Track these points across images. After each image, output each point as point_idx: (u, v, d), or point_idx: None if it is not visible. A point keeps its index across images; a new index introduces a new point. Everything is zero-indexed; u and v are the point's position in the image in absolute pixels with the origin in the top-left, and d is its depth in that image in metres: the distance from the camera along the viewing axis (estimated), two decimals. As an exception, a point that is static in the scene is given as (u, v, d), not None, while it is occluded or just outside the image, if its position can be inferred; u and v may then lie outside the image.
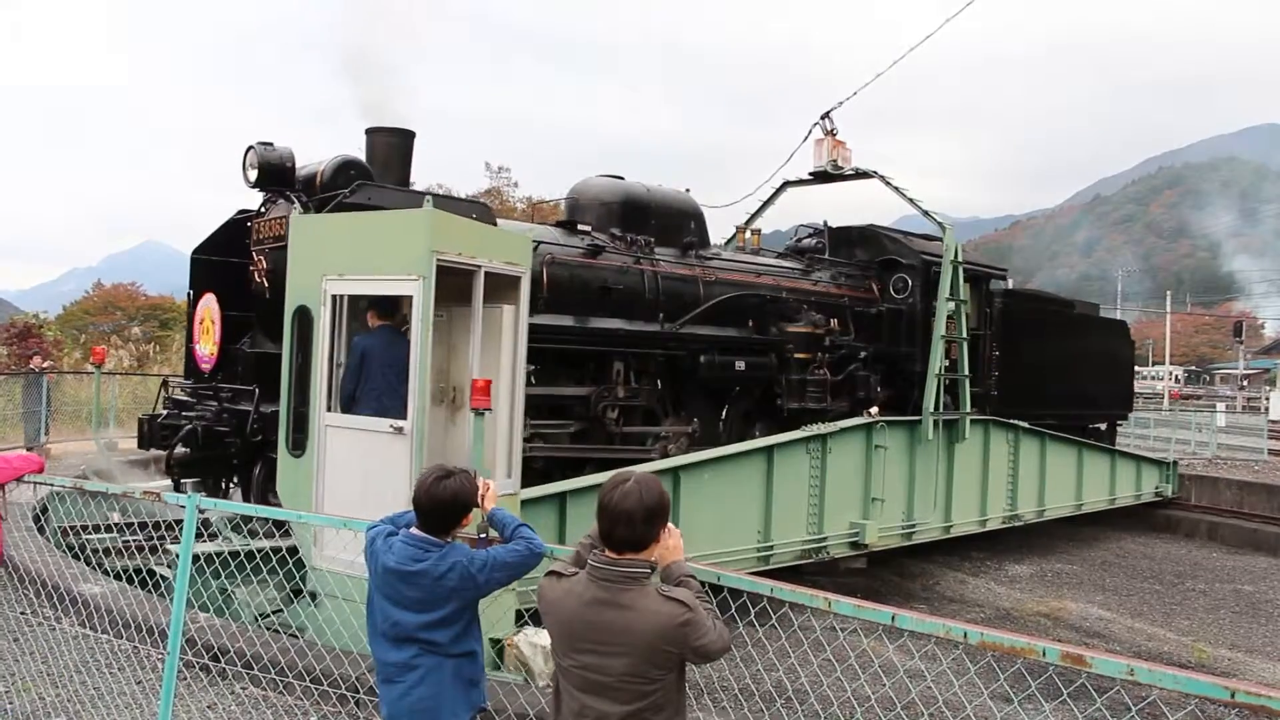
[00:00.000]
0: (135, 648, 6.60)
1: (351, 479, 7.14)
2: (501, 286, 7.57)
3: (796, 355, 13.03)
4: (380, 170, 9.44)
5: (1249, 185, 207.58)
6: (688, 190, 13.38)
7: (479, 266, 7.15)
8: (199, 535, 9.68)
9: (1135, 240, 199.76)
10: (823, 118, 15.04)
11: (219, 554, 7.73)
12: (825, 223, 15.72)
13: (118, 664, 6.48)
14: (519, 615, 7.03)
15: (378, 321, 7.57)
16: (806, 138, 15.29)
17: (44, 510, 10.85)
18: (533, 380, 10.13)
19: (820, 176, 15.51)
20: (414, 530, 3.66)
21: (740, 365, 12.21)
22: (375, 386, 7.21)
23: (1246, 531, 18.25)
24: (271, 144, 8.91)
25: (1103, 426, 20.45)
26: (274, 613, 7.84)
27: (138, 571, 8.26)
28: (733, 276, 12.74)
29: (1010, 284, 18.81)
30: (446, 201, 10.13)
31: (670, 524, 3.41)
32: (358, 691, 5.86)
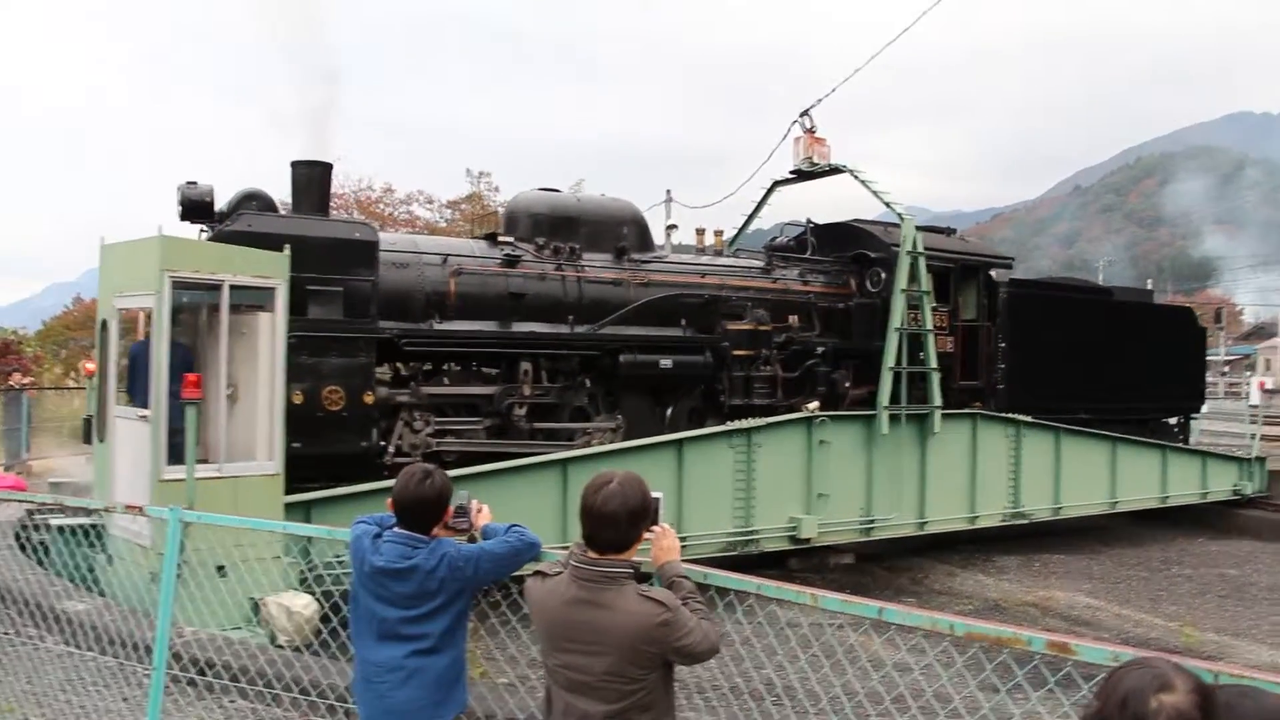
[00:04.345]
0: (121, 664, 6.55)
1: (127, 459, 8.51)
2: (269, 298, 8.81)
3: (736, 353, 13.15)
4: (299, 198, 10.70)
5: (1228, 173, 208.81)
6: (668, 192, 13.51)
7: (221, 281, 8.33)
8: (66, 509, 10.28)
9: (1116, 230, 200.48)
10: (802, 115, 15.12)
11: (81, 527, 8.99)
12: (809, 220, 15.76)
13: (103, 681, 6.43)
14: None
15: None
16: (785, 136, 15.37)
17: (24, 528, 10.87)
18: (446, 381, 11.36)
19: (799, 174, 15.58)
20: (398, 529, 3.67)
21: (666, 363, 12.47)
22: (145, 384, 8.31)
23: (1228, 515, 18.32)
24: (195, 183, 10.08)
25: (1172, 421, 19.35)
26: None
27: (42, 544, 9.34)
28: (669, 278, 13.05)
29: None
30: (329, 224, 10.97)
31: (665, 524, 3.42)
32: (346, 701, 5.83)
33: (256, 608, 7.98)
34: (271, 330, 8.75)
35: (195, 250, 8.69)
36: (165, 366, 8.02)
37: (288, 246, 8.93)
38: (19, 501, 9.69)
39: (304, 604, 8.00)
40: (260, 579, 7.48)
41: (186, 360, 8.45)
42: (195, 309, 8.97)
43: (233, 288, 8.43)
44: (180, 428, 7.98)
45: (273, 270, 8.72)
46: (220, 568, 7.18)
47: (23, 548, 9.38)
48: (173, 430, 8.05)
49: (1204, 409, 21.25)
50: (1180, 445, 18.43)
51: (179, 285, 8.22)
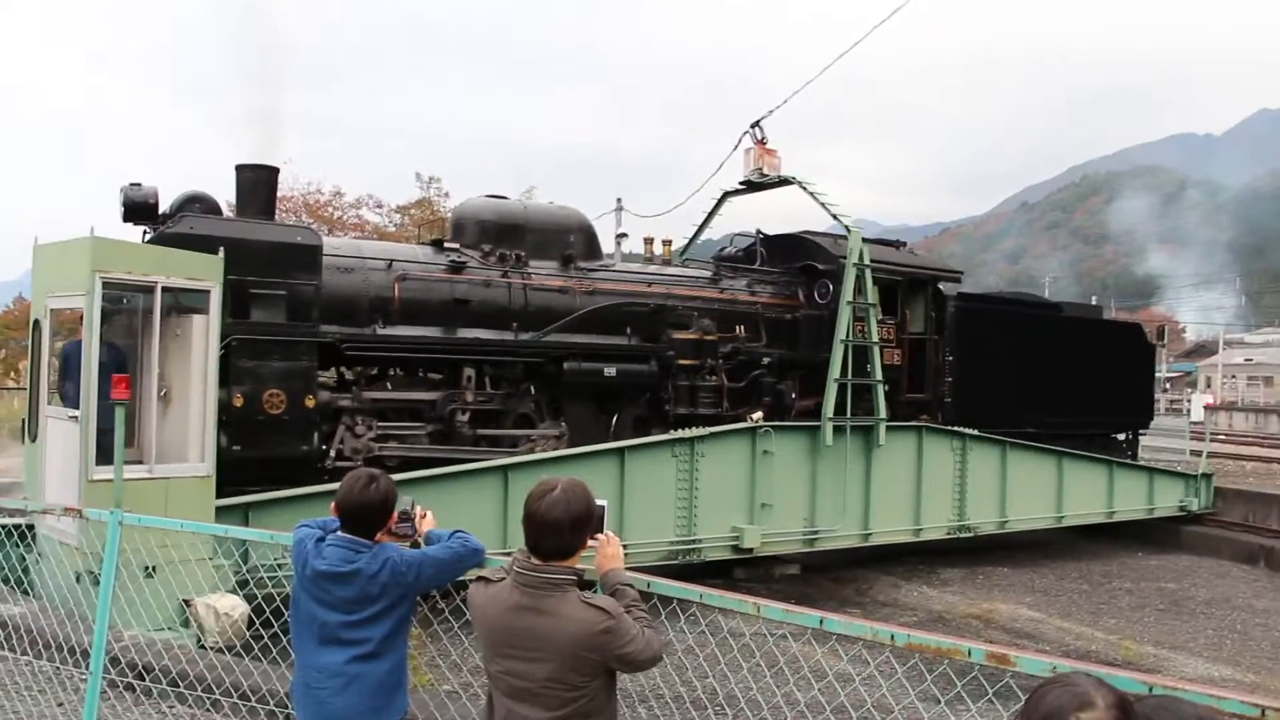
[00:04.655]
0: (57, 668, 6.42)
1: (58, 459, 8.49)
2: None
3: (682, 362, 13.20)
4: (245, 202, 10.73)
5: (1171, 192, 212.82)
6: (618, 200, 13.54)
7: (154, 283, 8.31)
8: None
9: (1062, 246, 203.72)
10: (753, 126, 15.19)
11: (16, 526, 8.95)
12: (759, 231, 15.83)
13: (38, 686, 6.30)
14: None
15: None
16: (736, 147, 15.44)
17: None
18: (389, 386, 11.42)
19: (749, 185, 15.65)
20: (341, 534, 3.65)
21: (611, 372, 12.54)
22: (77, 384, 8.28)
23: (1169, 530, 18.61)
24: (140, 184, 10.00)
25: (1121, 437, 19.27)
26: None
27: None
28: (615, 287, 13.11)
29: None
30: (272, 227, 10.90)
31: (609, 532, 3.42)
32: (286, 706, 5.76)
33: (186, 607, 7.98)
34: (205, 333, 8.75)
35: (128, 251, 8.65)
36: (95, 367, 7.98)
37: (222, 249, 8.90)
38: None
39: (231, 605, 8.00)
40: (200, 581, 7.46)
41: (120, 361, 8.40)
42: (133, 311, 8.88)
43: (166, 289, 8.43)
44: (110, 428, 7.92)
45: (206, 273, 8.71)
46: (150, 568, 7.14)
47: None
48: (102, 430, 7.98)
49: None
50: (1127, 461, 18.37)
51: (111, 286, 8.20)
